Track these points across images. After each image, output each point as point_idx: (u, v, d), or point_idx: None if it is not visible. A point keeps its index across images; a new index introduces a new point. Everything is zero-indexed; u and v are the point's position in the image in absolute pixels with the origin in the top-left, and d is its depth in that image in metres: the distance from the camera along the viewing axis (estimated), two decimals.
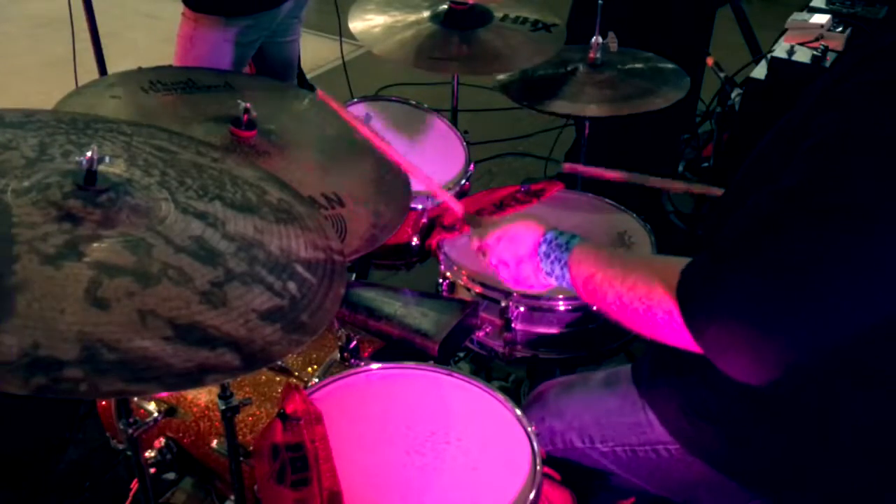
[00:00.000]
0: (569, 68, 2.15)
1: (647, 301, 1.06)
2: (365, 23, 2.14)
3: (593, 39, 2.11)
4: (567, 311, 1.67)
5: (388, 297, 1.63)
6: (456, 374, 1.36)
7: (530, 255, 1.25)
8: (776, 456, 1.22)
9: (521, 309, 1.67)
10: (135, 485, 1.41)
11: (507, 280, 1.31)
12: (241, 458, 1.23)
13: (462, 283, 1.73)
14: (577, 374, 1.56)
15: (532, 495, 1.16)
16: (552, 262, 1.22)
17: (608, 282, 1.12)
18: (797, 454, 1.21)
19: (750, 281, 0.95)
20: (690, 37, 2.83)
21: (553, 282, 1.24)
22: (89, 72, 2.39)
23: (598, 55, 2.12)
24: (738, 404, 1.22)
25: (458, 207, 1.48)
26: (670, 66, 2.22)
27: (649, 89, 2.11)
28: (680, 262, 1.04)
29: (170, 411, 1.40)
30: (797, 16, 2.65)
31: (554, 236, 1.24)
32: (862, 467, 1.19)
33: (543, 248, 1.24)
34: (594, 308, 1.18)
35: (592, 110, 2.07)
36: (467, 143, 2.12)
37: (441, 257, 1.79)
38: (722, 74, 2.84)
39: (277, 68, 2.59)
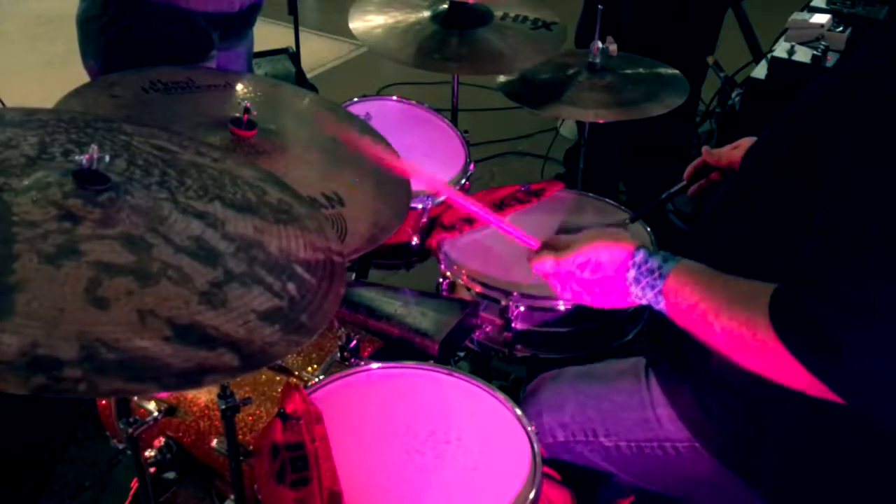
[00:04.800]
0: (569, 72, 2.15)
1: (758, 336, 1.02)
2: (365, 23, 2.14)
3: (593, 44, 2.10)
4: (567, 310, 1.67)
5: (388, 296, 1.63)
6: (456, 374, 1.36)
7: (618, 279, 1.20)
8: (785, 455, 1.22)
9: (521, 309, 1.66)
10: (135, 484, 1.41)
11: (586, 302, 1.26)
12: (241, 458, 1.23)
13: (462, 282, 1.73)
14: (573, 368, 1.55)
15: (532, 495, 1.16)
16: (643, 289, 1.17)
17: (713, 313, 1.07)
18: (806, 456, 1.21)
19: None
20: (701, 37, 2.83)
21: (642, 303, 1.19)
22: None
23: (598, 60, 2.12)
24: (753, 402, 1.22)
25: (533, 242, 1.34)
26: (670, 71, 2.21)
27: (649, 95, 2.10)
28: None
29: (170, 410, 1.40)
30: (797, 16, 2.65)
31: (644, 259, 1.17)
32: (865, 473, 1.19)
33: (633, 273, 1.18)
34: (693, 335, 1.12)
35: (592, 115, 2.06)
36: (467, 143, 2.12)
37: (441, 257, 1.79)
38: (722, 74, 2.84)
39: None
